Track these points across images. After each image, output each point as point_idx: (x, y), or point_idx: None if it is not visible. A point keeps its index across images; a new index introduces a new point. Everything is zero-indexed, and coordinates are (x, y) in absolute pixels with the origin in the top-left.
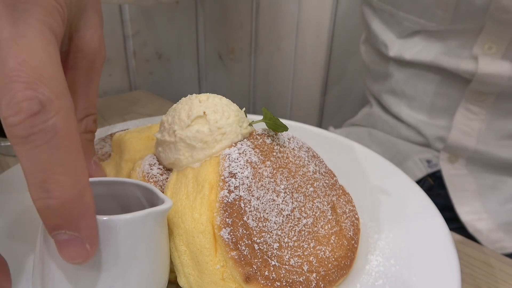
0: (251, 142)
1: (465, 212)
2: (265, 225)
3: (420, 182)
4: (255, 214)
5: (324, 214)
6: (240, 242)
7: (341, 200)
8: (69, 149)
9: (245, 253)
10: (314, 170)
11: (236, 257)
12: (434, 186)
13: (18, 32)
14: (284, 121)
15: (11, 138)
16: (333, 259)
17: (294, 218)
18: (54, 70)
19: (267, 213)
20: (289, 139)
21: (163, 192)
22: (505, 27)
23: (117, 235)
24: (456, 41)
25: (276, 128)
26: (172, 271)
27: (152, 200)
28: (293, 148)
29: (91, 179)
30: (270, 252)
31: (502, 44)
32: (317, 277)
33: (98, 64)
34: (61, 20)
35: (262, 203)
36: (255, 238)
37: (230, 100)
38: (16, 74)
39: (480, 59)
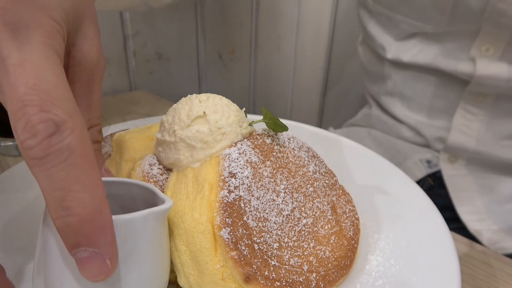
0: (251, 142)
1: (465, 212)
2: (265, 225)
3: (420, 182)
4: (255, 214)
5: (324, 214)
6: (240, 242)
7: (341, 200)
8: (85, 166)
9: (245, 253)
10: (314, 170)
11: (236, 257)
12: (434, 186)
13: (24, 57)
14: (284, 121)
15: (28, 160)
16: (333, 259)
17: (294, 218)
18: (63, 91)
19: (267, 213)
20: (289, 139)
21: (163, 192)
22: (502, 29)
23: (118, 235)
24: (453, 43)
25: (276, 128)
26: (172, 271)
27: (152, 200)
28: (293, 148)
29: None
30: (270, 252)
31: (499, 46)
32: (317, 277)
33: (98, 75)
34: (61, 40)
35: (262, 203)
36: (255, 238)
37: (230, 100)
38: (29, 98)
39: (477, 61)
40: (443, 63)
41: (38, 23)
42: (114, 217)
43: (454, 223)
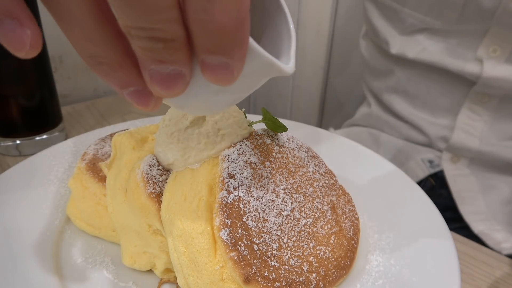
0: (250, 142)
1: (468, 213)
2: (264, 226)
3: (421, 183)
4: (255, 215)
5: (324, 214)
6: (240, 242)
7: (341, 200)
8: None
9: (244, 253)
10: (314, 170)
11: (235, 257)
12: (435, 187)
13: None
14: (284, 121)
15: None
16: (333, 259)
17: (293, 218)
18: None
19: (267, 214)
20: (288, 139)
21: (162, 193)
22: (511, 31)
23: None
24: (460, 42)
25: (275, 128)
26: (172, 271)
27: (277, 45)
28: (292, 149)
29: None
30: (269, 253)
31: (506, 47)
32: (317, 277)
33: None
34: None
35: (262, 203)
36: (255, 239)
37: None
38: None
39: (485, 62)
40: (449, 62)
41: None
42: (251, 40)
43: (456, 223)
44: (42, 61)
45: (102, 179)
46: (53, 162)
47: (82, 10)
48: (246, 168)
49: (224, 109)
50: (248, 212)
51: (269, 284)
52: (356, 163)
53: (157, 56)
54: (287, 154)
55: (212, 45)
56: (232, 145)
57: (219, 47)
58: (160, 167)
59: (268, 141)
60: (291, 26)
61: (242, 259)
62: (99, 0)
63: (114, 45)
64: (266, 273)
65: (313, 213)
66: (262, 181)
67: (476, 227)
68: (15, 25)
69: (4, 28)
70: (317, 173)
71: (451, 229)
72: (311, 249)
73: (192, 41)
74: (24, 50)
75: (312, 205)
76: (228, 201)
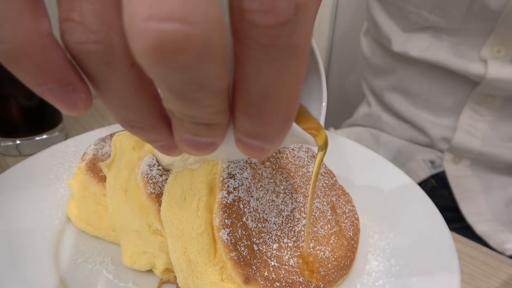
0: None
1: (470, 214)
2: (264, 226)
3: (422, 184)
4: (255, 215)
5: (324, 214)
6: (240, 243)
7: (341, 200)
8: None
9: (244, 254)
10: None
11: (235, 258)
12: (436, 187)
13: None
14: None
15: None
16: (333, 259)
17: (293, 218)
18: None
19: (267, 214)
20: None
21: (162, 193)
22: None
23: None
24: (464, 41)
25: None
26: (172, 271)
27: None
28: (292, 149)
29: None
30: (269, 253)
31: (511, 48)
32: (317, 277)
33: None
34: None
35: (262, 204)
36: (255, 239)
37: None
38: None
39: (489, 63)
40: (453, 62)
41: None
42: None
43: (457, 223)
44: None
45: (102, 179)
46: (53, 162)
47: (122, 83)
48: (246, 168)
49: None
50: (248, 212)
51: (269, 284)
52: (356, 163)
53: (196, 133)
54: (287, 154)
55: (254, 133)
56: None
57: (260, 136)
58: (160, 167)
59: None
60: (324, 88)
61: (242, 259)
62: (140, 72)
63: (150, 112)
64: (266, 273)
65: (313, 213)
66: (262, 181)
67: (479, 228)
68: (68, 92)
69: (56, 95)
70: None
71: (452, 229)
72: (311, 249)
73: (233, 120)
74: (78, 112)
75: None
76: (228, 201)
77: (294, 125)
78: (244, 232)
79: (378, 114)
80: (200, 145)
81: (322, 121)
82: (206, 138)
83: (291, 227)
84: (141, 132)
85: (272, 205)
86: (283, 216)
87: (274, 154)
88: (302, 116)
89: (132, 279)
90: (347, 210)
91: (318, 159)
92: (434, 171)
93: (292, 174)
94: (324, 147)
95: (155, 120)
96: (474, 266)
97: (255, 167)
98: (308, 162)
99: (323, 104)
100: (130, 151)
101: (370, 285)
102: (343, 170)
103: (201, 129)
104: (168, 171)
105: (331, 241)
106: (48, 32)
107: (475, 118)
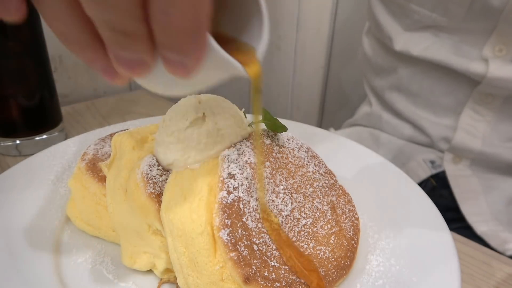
0: (250, 142)
1: (471, 214)
2: (264, 226)
3: (422, 184)
4: (254, 215)
5: (324, 214)
6: (239, 243)
7: (341, 200)
8: None
9: (244, 253)
10: (314, 171)
11: (235, 258)
12: (436, 187)
13: None
14: (284, 121)
15: None
16: (333, 259)
17: (293, 218)
18: None
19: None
20: (288, 139)
21: (162, 193)
22: None
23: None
24: (466, 40)
25: (275, 128)
26: (172, 271)
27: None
28: (292, 149)
29: None
30: (269, 253)
31: None
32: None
33: None
34: None
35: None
36: (255, 239)
37: (229, 101)
38: None
39: (490, 62)
40: (454, 61)
41: None
42: (212, 41)
43: (457, 223)
44: (42, 61)
45: (102, 179)
46: (53, 162)
47: None
48: (246, 168)
49: (187, 94)
50: (248, 212)
51: (269, 284)
52: (356, 163)
53: (120, 43)
54: (287, 154)
55: (170, 44)
56: (232, 145)
57: (176, 47)
58: (160, 167)
59: (268, 141)
60: (266, 23)
61: (242, 259)
62: None
63: (82, 26)
64: (266, 273)
65: (313, 213)
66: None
67: (479, 228)
68: None
69: None
70: (317, 173)
71: (452, 229)
72: (311, 249)
73: (154, 37)
74: (10, 18)
75: (312, 205)
76: (228, 201)
77: (216, 46)
78: (244, 232)
79: (378, 114)
80: (132, 62)
81: (260, 55)
82: (133, 54)
83: (291, 227)
84: (78, 48)
85: (272, 205)
86: (283, 216)
87: (274, 154)
88: (241, 50)
89: (132, 279)
90: (347, 210)
91: (255, 100)
92: (434, 171)
93: (292, 174)
94: (256, 83)
95: (87, 35)
96: (474, 266)
97: (255, 167)
98: (308, 162)
99: (264, 37)
100: (130, 151)
101: (370, 285)
102: (343, 170)
103: (122, 39)
104: (168, 171)
105: (331, 241)
106: None
107: (476, 118)
